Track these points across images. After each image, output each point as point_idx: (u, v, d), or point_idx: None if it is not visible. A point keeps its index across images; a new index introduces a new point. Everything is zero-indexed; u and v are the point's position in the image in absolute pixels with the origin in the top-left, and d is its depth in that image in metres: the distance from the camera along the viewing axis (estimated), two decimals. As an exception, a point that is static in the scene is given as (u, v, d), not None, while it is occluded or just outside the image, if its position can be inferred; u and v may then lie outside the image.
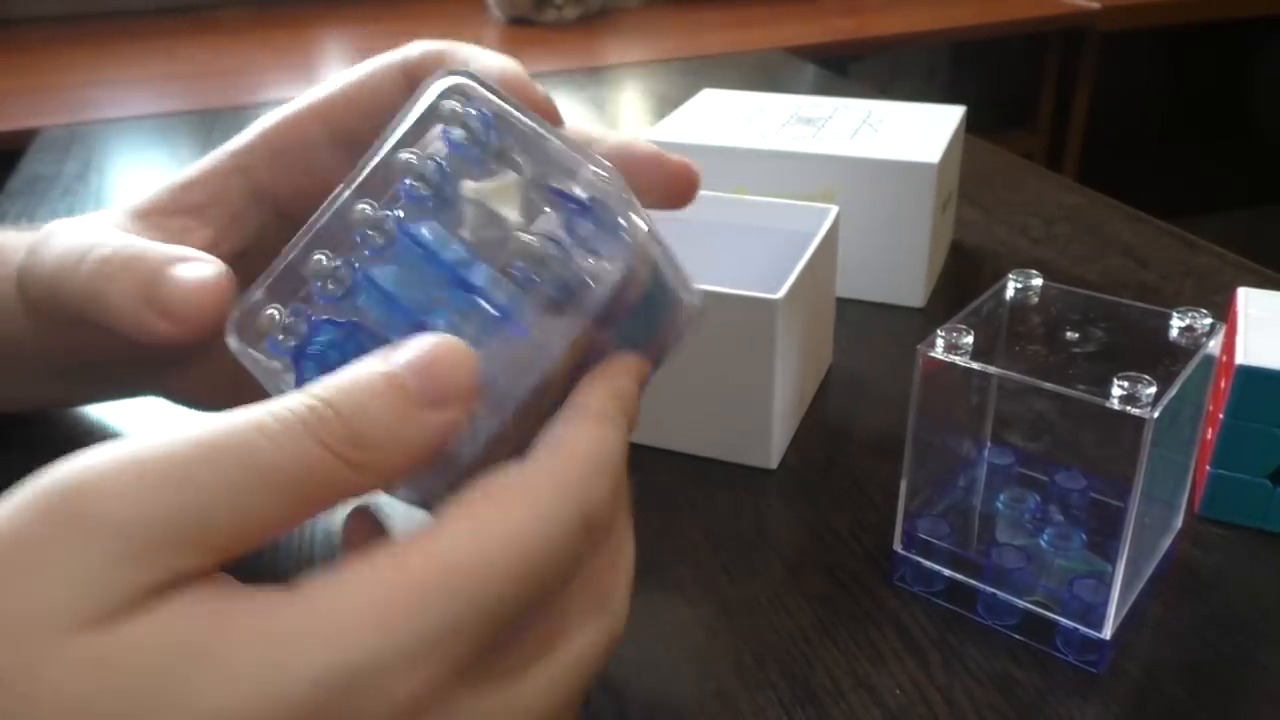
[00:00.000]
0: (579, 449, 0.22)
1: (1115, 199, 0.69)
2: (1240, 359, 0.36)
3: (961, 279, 0.59)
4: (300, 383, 0.24)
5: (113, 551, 0.17)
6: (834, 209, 0.47)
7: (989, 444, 0.39)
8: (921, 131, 0.56)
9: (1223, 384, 0.38)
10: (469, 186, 0.25)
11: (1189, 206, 1.99)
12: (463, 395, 0.21)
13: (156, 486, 0.18)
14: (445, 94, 0.26)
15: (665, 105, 0.93)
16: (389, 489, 0.23)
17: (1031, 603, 0.34)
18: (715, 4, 1.57)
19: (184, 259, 0.27)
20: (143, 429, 0.18)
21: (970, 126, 0.63)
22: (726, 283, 0.41)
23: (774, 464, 0.43)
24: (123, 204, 0.33)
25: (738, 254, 0.50)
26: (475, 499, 0.21)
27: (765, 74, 1.09)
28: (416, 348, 0.21)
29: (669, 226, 0.51)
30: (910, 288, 0.56)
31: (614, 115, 0.95)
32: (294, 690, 0.17)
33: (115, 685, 0.17)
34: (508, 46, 1.35)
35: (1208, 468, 0.38)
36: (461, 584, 0.19)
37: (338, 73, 0.33)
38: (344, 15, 1.55)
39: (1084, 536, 0.36)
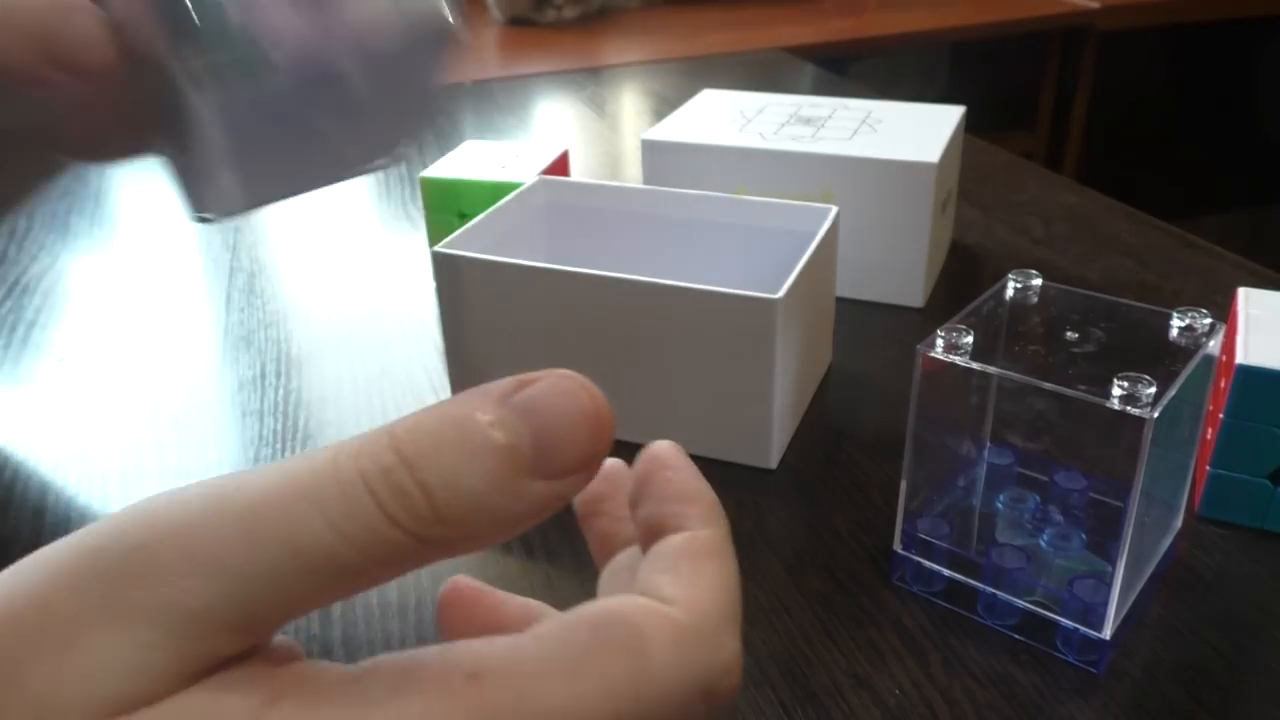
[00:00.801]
0: (710, 597, 0.18)
1: (1115, 199, 0.69)
2: (1240, 359, 0.36)
3: (961, 279, 0.59)
4: None
5: (147, 638, 0.16)
6: (833, 209, 0.47)
7: (989, 444, 0.39)
8: (921, 131, 0.56)
9: (1223, 384, 0.38)
10: None
11: (1189, 206, 1.99)
12: (585, 467, 0.18)
13: (197, 574, 0.16)
14: None
15: (665, 105, 0.93)
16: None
17: (1031, 603, 0.34)
18: (715, 4, 1.57)
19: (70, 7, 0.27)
20: (194, 479, 0.17)
21: (970, 126, 0.63)
22: (727, 282, 0.41)
23: (774, 464, 0.43)
24: None
25: (738, 254, 0.50)
26: (581, 635, 0.17)
27: (765, 74, 1.09)
28: (537, 390, 0.17)
29: (671, 228, 0.51)
30: (910, 288, 0.56)
31: (614, 115, 0.95)
32: None
33: None
34: (508, 47, 1.35)
35: (1208, 468, 0.38)
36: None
37: None
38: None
39: (1084, 536, 0.36)
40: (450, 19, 0.29)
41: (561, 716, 0.16)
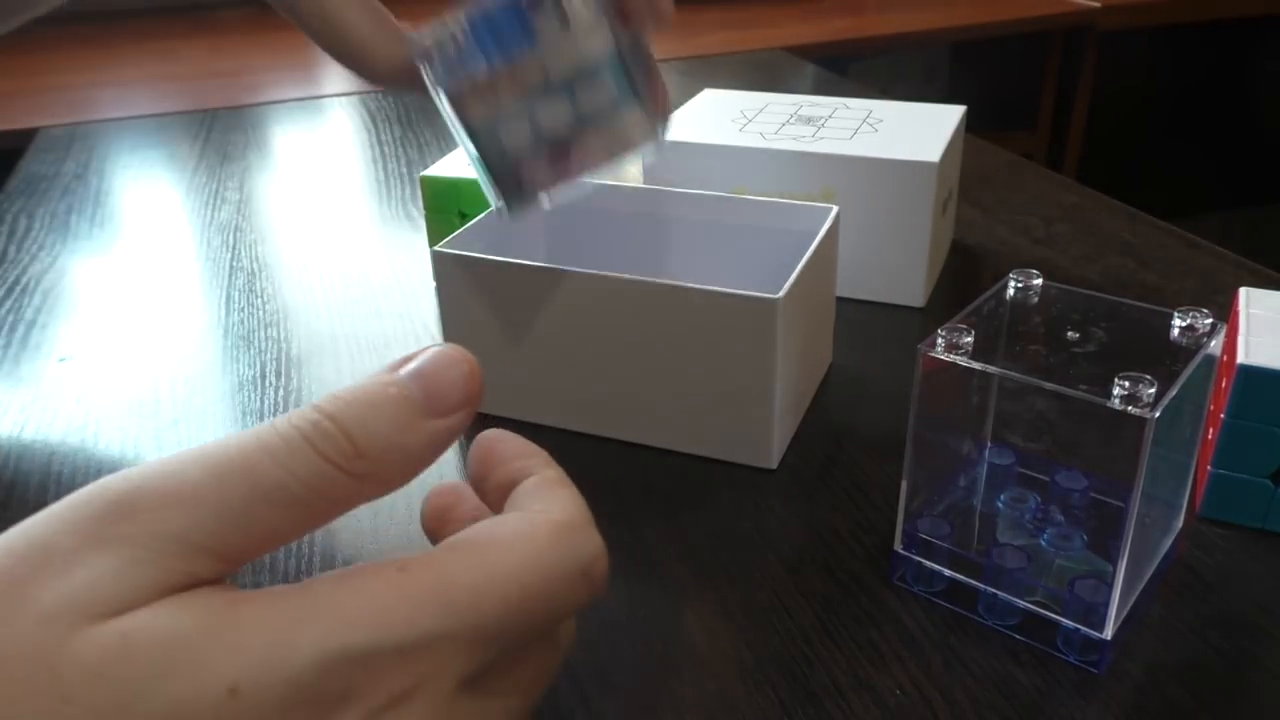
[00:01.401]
0: (571, 506, 0.24)
1: (1115, 199, 0.69)
2: (1241, 359, 0.36)
3: (961, 279, 0.59)
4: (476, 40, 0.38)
5: (133, 558, 0.19)
6: (834, 209, 0.47)
7: (989, 444, 0.39)
8: (921, 131, 0.56)
9: (1224, 384, 0.38)
10: None
11: (1189, 206, 1.99)
12: (463, 405, 0.23)
13: (177, 510, 0.20)
14: None
15: (665, 105, 0.93)
16: None
17: (1032, 603, 0.34)
18: (715, 4, 1.56)
19: None
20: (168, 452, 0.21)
21: (970, 126, 0.63)
22: (727, 282, 0.41)
23: (774, 464, 0.43)
24: None
25: (738, 254, 0.50)
26: (482, 539, 0.23)
27: (765, 74, 1.09)
28: (421, 358, 0.23)
29: (671, 228, 0.51)
30: (910, 287, 0.56)
31: (614, 115, 0.95)
32: (297, 663, 0.19)
33: (134, 656, 0.18)
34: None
35: (1209, 468, 0.38)
36: (457, 601, 0.21)
37: None
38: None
39: (1084, 536, 0.36)
40: (656, 137, 0.41)
41: (475, 592, 0.21)
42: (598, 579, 0.24)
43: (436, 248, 0.45)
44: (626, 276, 0.42)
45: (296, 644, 0.19)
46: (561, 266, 0.43)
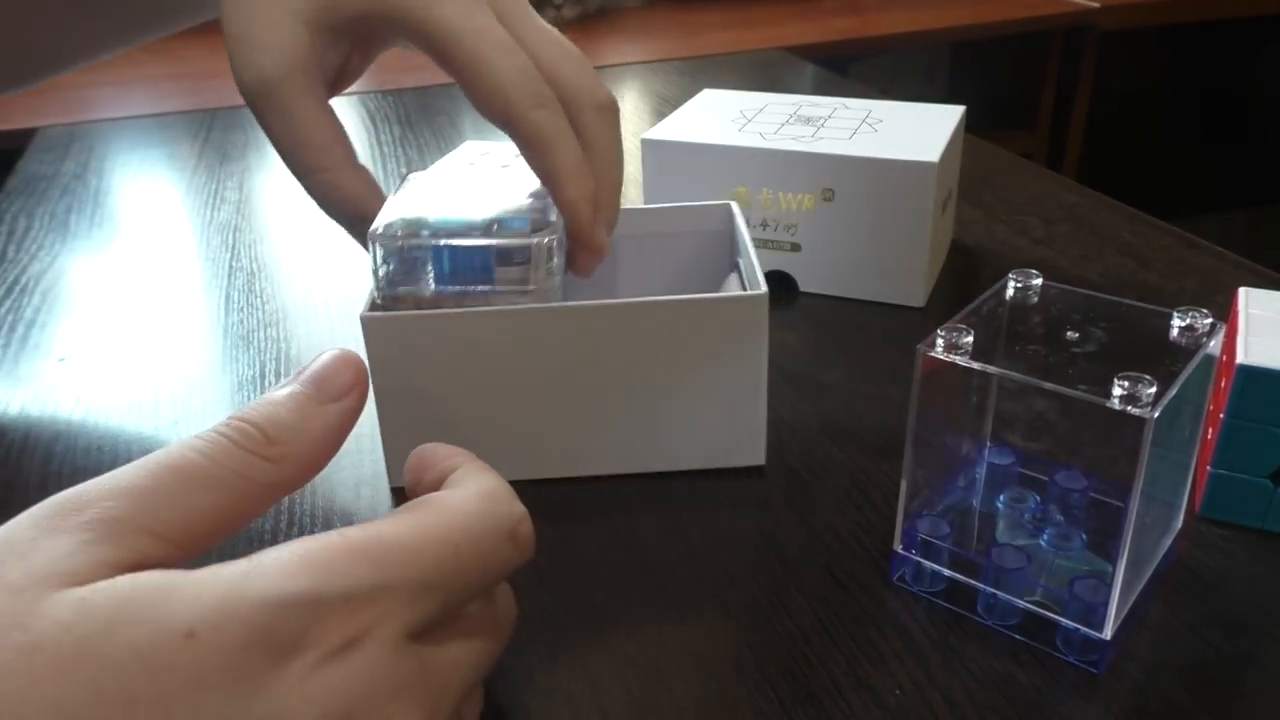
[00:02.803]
0: (496, 482, 0.28)
1: (1115, 199, 0.69)
2: (1241, 359, 0.36)
3: (961, 279, 0.59)
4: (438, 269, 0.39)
5: (84, 539, 0.22)
6: (731, 204, 0.48)
7: (989, 444, 0.39)
8: (921, 131, 0.56)
9: (1223, 384, 0.38)
10: None
11: (1189, 206, 1.99)
12: (351, 388, 0.28)
13: (116, 497, 0.23)
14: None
15: (665, 105, 0.93)
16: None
17: (1032, 603, 0.34)
18: (715, 4, 1.57)
19: None
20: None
21: (970, 126, 0.63)
22: (657, 291, 0.41)
23: (763, 460, 0.43)
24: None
25: (651, 262, 0.49)
26: (415, 508, 0.26)
27: (765, 74, 1.09)
28: (314, 363, 0.28)
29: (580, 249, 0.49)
30: (910, 288, 0.56)
31: (614, 115, 0.95)
32: (248, 608, 0.21)
33: (95, 610, 0.21)
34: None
35: (1208, 468, 0.38)
36: (393, 555, 0.24)
37: None
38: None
39: (1084, 536, 0.36)
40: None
41: (409, 549, 0.24)
42: (523, 541, 0.27)
43: (365, 314, 0.39)
44: (599, 302, 0.39)
45: (246, 593, 0.21)
46: (518, 306, 0.39)
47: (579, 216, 0.39)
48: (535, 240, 0.39)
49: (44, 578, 0.21)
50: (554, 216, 0.40)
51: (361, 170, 0.41)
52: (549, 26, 0.42)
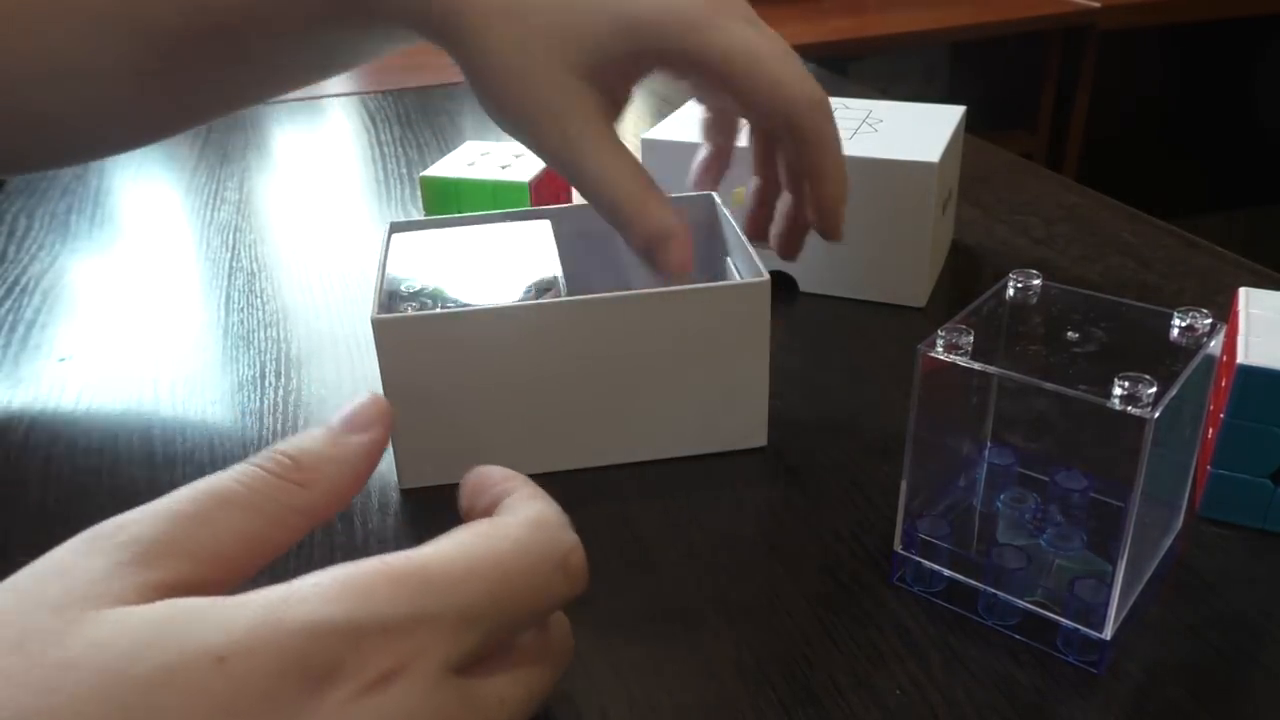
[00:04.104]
0: (549, 509, 0.27)
1: (1115, 199, 0.69)
2: (1241, 359, 0.36)
3: (961, 279, 0.59)
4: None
5: (121, 559, 0.22)
6: (713, 194, 0.49)
7: (989, 444, 0.39)
8: (921, 131, 0.56)
9: (1224, 384, 0.38)
10: None
11: (1189, 206, 1.99)
12: (376, 422, 0.28)
13: (154, 521, 0.24)
14: None
15: (665, 105, 0.93)
16: None
17: (1032, 603, 0.34)
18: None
19: None
20: (193, 479, 0.25)
21: (970, 126, 0.62)
22: (643, 284, 0.41)
23: (766, 440, 0.44)
24: None
25: (631, 257, 0.49)
26: (462, 534, 0.25)
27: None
28: (343, 407, 0.29)
29: (561, 244, 0.48)
30: (910, 287, 0.56)
31: (614, 115, 0.95)
32: (284, 635, 0.21)
33: (127, 630, 0.21)
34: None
35: (1209, 468, 0.38)
36: (436, 584, 0.23)
37: None
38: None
39: (1084, 537, 0.36)
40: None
41: (453, 577, 0.23)
42: (574, 571, 0.26)
43: (376, 316, 0.39)
44: (604, 296, 0.40)
45: (283, 620, 0.21)
46: (525, 303, 0.40)
47: (833, 212, 0.43)
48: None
49: (82, 597, 0.21)
50: (556, 271, 0.43)
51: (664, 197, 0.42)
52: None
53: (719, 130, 0.50)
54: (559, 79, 0.39)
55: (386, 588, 0.22)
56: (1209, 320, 0.34)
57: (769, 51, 0.40)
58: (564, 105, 0.39)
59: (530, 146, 0.41)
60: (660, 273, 0.40)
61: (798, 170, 0.45)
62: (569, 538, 0.26)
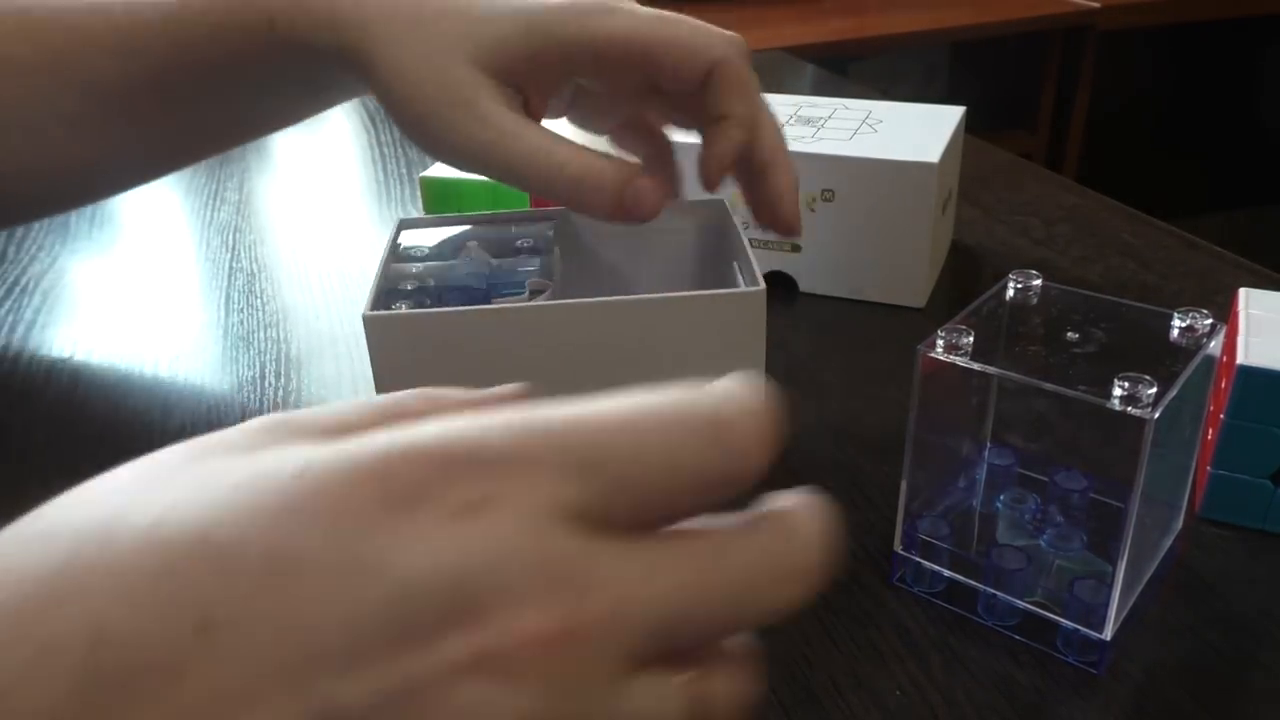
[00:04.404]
0: (734, 382, 0.22)
1: (1115, 199, 0.69)
2: (1241, 359, 0.36)
3: (961, 279, 0.59)
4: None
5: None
6: (722, 198, 0.47)
7: (989, 444, 0.39)
8: (921, 131, 0.56)
9: (1223, 384, 0.38)
10: None
11: (1189, 206, 1.99)
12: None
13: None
14: None
15: (665, 105, 0.93)
16: None
17: (1032, 603, 0.34)
18: (715, 4, 1.56)
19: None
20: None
21: (970, 126, 0.62)
22: (652, 287, 0.41)
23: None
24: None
25: (645, 258, 0.49)
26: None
27: (765, 74, 1.08)
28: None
29: (561, 246, 0.49)
30: (910, 288, 0.56)
31: (614, 115, 0.95)
32: (364, 454, 0.19)
33: (235, 441, 0.21)
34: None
35: (1208, 468, 0.38)
36: (538, 425, 0.20)
37: None
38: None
39: (1084, 537, 0.36)
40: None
41: (566, 422, 0.20)
42: (734, 444, 0.20)
43: (367, 312, 0.39)
44: (599, 300, 0.39)
45: (370, 441, 0.19)
46: (519, 304, 0.40)
47: (786, 207, 0.42)
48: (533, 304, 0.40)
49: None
50: (552, 274, 0.43)
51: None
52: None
53: (644, 138, 0.47)
54: (467, 75, 0.38)
55: (478, 426, 0.19)
56: (1209, 321, 0.34)
57: (672, 18, 0.40)
58: (474, 93, 0.38)
59: (449, 149, 0.40)
60: (636, 219, 0.39)
61: (744, 160, 0.43)
62: (733, 395, 0.21)
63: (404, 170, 0.80)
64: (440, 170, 0.59)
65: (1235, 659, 0.33)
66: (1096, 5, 1.64)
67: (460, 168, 0.40)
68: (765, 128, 0.43)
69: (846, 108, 0.61)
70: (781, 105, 0.62)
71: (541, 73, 0.40)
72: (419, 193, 0.61)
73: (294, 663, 0.16)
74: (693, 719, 0.20)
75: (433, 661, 0.17)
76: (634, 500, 0.20)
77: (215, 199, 0.75)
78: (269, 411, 0.48)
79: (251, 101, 0.49)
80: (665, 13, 0.40)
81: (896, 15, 1.58)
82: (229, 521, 0.17)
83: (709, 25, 0.41)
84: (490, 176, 0.40)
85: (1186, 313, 0.35)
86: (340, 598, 0.17)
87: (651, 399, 0.21)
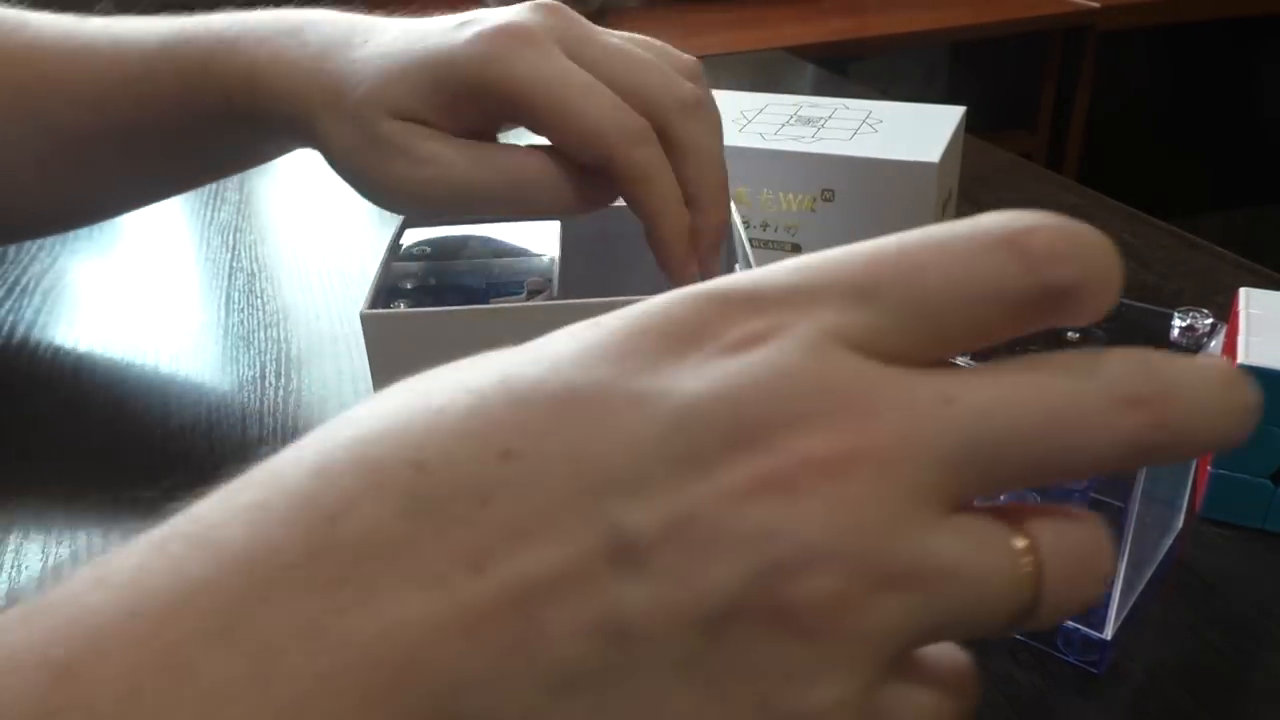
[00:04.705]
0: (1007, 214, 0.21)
1: (1115, 199, 0.69)
2: (1241, 359, 0.36)
3: (962, 279, 0.59)
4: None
5: None
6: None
7: (989, 444, 0.39)
8: (921, 131, 0.56)
9: (1223, 384, 0.38)
10: None
11: (1189, 206, 1.99)
12: None
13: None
14: None
15: (665, 105, 0.93)
16: None
17: (1032, 603, 0.34)
18: (715, 4, 1.56)
19: None
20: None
21: (970, 126, 0.62)
22: (646, 287, 0.41)
23: None
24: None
25: (638, 258, 0.48)
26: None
27: (765, 74, 1.09)
28: None
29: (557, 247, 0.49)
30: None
31: (614, 115, 0.95)
32: (651, 303, 0.19)
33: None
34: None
35: (1209, 468, 0.38)
36: (815, 262, 0.19)
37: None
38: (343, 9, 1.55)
39: (1084, 537, 0.35)
40: None
41: (841, 254, 0.19)
42: (1034, 249, 0.20)
43: (365, 311, 0.39)
44: (600, 300, 0.39)
45: (651, 298, 0.20)
46: (519, 304, 0.40)
47: (669, 255, 0.40)
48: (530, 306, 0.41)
49: None
50: (551, 274, 0.43)
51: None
52: (617, 40, 0.41)
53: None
54: (396, 128, 0.39)
55: (763, 269, 0.20)
56: (1209, 320, 0.34)
57: (576, 85, 0.37)
58: (404, 140, 0.39)
59: (393, 196, 0.40)
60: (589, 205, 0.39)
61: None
62: (1036, 217, 0.20)
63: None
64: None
65: (1235, 659, 0.33)
66: (1096, 5, 1.64)
67: (422, 213, 0.42)
68: (671, 222, 0.39)
69: (846, 108, 0.61)
70: (781, 105, 0.62)
71: (468, 119, 0.40)
72: (419, 193, 0.61)
73: (585, 489, 0.17)
74: (1032, 584, 0.18)
75: (717, 486, 0.17)
76: (922, 325, 0.18)
77: (215, 199, 0.75)
78: (269, 412, 0.48)
79: (216, 156, 0.52)
80: (575, 72, 0.38)
81: (896, 15, 1.58)
82: (528, 364, 0.19)
83: (611, 101, 0.37)
84: (444, 209, 0.40)
85: (1186, 312, 0.35)
86: (625, 428, 0.17)
87: (930, 228, 0.19)
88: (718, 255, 0.41)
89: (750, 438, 0.17)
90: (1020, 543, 0.18)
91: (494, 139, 0.42)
